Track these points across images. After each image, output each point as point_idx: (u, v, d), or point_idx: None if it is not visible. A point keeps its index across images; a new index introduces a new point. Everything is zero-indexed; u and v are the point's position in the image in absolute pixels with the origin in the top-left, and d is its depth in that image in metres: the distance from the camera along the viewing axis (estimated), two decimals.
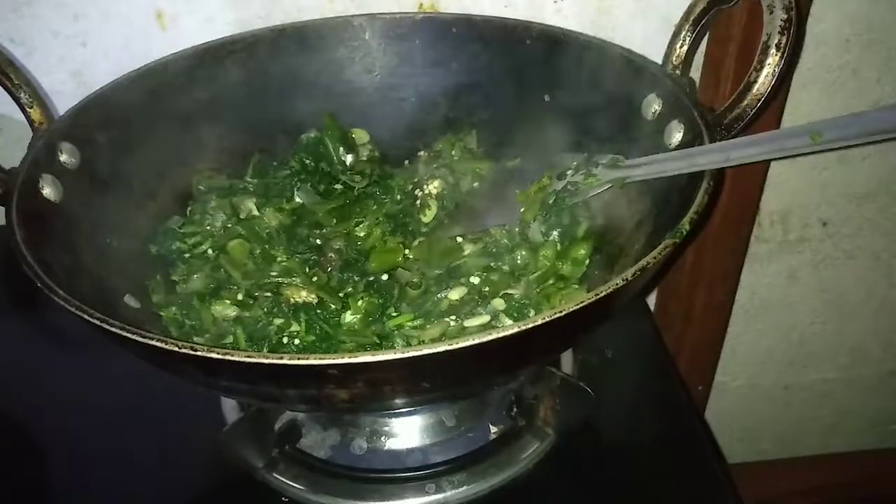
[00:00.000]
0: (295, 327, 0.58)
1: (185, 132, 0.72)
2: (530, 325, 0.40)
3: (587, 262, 0.64)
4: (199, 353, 0.39)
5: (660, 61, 0.66)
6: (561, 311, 0.41)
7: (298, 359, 0.39)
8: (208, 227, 0.67)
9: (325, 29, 0.78)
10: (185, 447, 0.64)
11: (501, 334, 0.40)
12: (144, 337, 0.40)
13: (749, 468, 1.29)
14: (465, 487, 0.60)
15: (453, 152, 0.77)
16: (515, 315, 0.58)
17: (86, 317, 0.42)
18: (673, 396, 0.69)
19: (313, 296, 0.60)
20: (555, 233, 0.67)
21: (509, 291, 0.60)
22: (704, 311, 0.95)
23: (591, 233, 0.66)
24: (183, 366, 0.43)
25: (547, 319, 0.41)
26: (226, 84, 0.75)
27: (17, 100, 0.62)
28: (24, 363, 0.73)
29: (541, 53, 0.75)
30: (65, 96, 0.79)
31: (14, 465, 0.64)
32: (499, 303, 0.59)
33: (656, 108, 0.64)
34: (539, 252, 0.64)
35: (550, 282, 0.61)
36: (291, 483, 0.61)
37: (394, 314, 0.59)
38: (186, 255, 0.66)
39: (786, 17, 0.52)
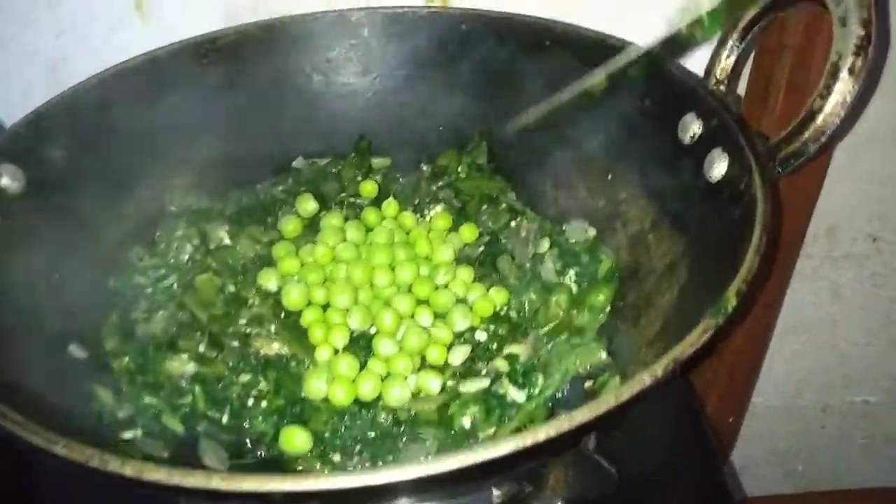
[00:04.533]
0: (263, 385, 0.50)
1: (156, 145, 0.64)
2: (529, 443, 0.32)
3: (607, 310, 0.55)
4: (107, 468, 0.31)
5: (701, 73, 0.56)
6: (569, 422, 0.32)
7: (232, 480, 0.30)
8: (172, 260, 0.59)
9: (319, 24, 0.69)
10: None
11: (493, 454, 0.31)
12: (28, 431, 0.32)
13: (781, 501, 1.21)
14: None
15: (459, 169, 0.68)
16: (520, 381, 0.49)
17: None
18: (702, 458, 0.61)
19: (286, 348, 0.52)
20: (571, 272, 0.57)
21: (514, 350, 0.51)
22: (743, 339, 0.86)
23: (613, 273, 0.57)
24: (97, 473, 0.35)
25: (550, 435, 0.32)
26: (204, 87, 0.66)
27: None
28: None
29: (561, 57, 0.65)
30: (42, 94, 0.72)
31: None
32: (502, 364, 0.50)
33: (696, 130, 0.54)
34: (552, 297, 0.55)
35: (563, 337, 0.52)
36: None
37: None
38: (149, 291, 0.58)
39: (863, 33, 0.42)
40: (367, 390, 0.50)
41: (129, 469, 0.31)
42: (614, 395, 0.33)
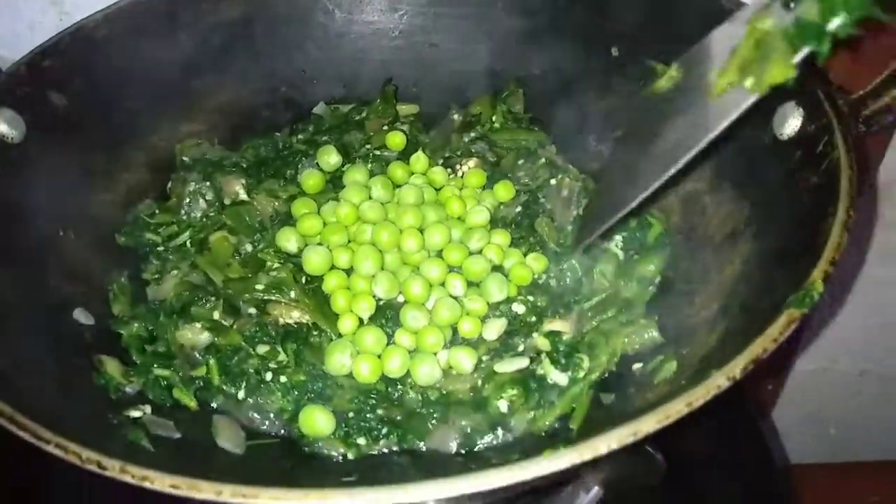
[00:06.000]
0: (282, 357, 0.46)
1: (166, 88, 0.59)
2: (588, 457, 0.27)
3: (657, 281, 0.50)
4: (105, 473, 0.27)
5: None
6: (634, 434, 0.28)
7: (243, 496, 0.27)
8: (185, 216, 0.54)
9: None
10: None
11: (552, 468, 0.27)
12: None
13: (814, 470, 1.17)
14: None
15: (494, 118, 0.62)
16: (563, 362, 0.44)
17: None
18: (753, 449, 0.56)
19: (307, 317, 0.47)
20: (618, 237, 0.52)
21: (556, 327, 0.46)
22: None
23: (664, 239, 0.52)
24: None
25: (612, 448, 0.28)
26: (217, 25, 0.61)
27: None
28: None
29: None
30: (45, 30, 0.67)
31: None
32: (542, 342, 0.46)
33: None
34: (596, 266, 0.50)
35: (610, 313, 0.47)
36: None
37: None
38: (160, 249, 0.54)
39: None
40: (394, 366, 0.45)
41: (129, 476, 0.27)
42: (685, 401, 0.29)
